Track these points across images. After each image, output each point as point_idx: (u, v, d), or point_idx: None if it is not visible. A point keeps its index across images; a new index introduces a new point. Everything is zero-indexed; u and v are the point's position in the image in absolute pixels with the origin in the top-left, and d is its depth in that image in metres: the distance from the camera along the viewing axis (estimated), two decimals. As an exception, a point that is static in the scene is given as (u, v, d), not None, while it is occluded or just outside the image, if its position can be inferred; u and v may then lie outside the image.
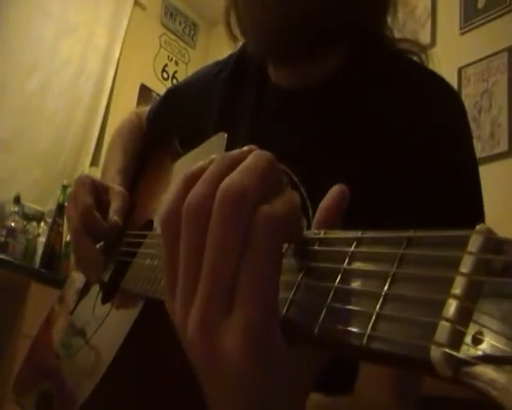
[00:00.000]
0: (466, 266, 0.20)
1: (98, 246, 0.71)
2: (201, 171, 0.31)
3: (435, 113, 0.61)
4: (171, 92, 0.92)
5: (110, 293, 0.66)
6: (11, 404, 0.88)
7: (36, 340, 0.88)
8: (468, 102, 2.04)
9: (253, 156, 0.31)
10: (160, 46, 3.44)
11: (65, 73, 2.90)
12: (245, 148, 0.32)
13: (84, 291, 0.78)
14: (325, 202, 0.33)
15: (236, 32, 0.73)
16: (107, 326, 0.61)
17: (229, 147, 0.57)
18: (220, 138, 0.59)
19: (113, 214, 0.72)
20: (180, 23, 3.56)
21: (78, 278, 0.84)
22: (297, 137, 0.67)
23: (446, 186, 0.58)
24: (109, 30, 3.11)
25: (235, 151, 0.32)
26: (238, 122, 0.72)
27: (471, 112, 2.02)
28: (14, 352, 1.97)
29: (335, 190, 0.33)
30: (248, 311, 0.27)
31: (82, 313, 0.74)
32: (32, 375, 0.81)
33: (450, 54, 2.16)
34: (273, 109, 0.70)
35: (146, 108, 0.96)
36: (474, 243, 0.21)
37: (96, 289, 0.73)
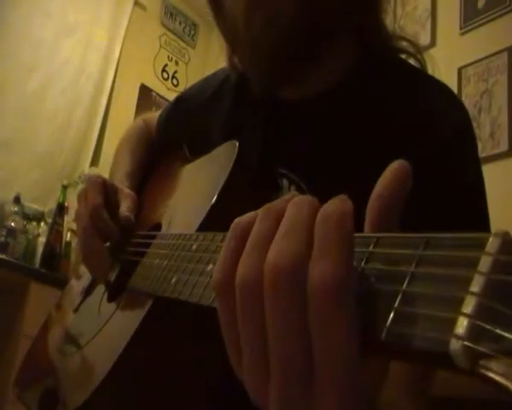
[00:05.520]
0: (484, 266, 0.21)
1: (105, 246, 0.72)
2: (249, 224, 0.30)
3: (442, 120, 0.62)
4: (179, 99, 0.94)
5: (116, 292, 0.66)
6: (11, 404, 0.88)
7: (38, 336, 0.88)
8: (468, 102, 2.04)
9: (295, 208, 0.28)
10: (160, 46, 3.44)
11: (65, 73, 2.90)
12: (287, 197, 0.30)
13: (89, 290, 0.78)
14: (380, 188, 0.27)
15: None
16: (113, 324, 0.61)
17: (239, 156, 0.57)
18: (231, 147, 0.59)
19: (126, 210, 0.73)
20: (180, 23, 3.56)
21: (79, 280, 0.84)
22: (304, 146, 0.67)
23: (454, 193, 0.59)
24: (109, 30, 3.11)
25: (278, 203, 0.30)
26: (246, 131, 0.72)
27: (471, 112, 2.01)
28: (14, 352, 1.97)
29: (394, 167, 0.27)
30: (332, 400, 0.25)
31: (86, 310, 0.75)
32: (34, 370, 0.81)
33: (451, 54, 2.16)
34: (280, 120, 0.71)
35: (153, 114, 0.97)
36: (493, 245, 0.21)
37: (101, 288, 0.73)
